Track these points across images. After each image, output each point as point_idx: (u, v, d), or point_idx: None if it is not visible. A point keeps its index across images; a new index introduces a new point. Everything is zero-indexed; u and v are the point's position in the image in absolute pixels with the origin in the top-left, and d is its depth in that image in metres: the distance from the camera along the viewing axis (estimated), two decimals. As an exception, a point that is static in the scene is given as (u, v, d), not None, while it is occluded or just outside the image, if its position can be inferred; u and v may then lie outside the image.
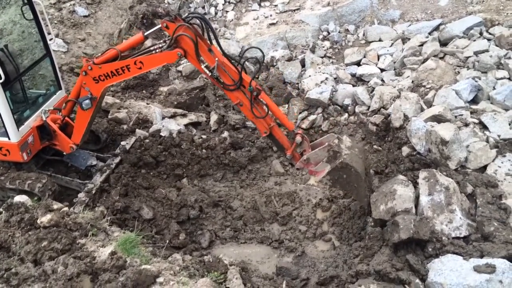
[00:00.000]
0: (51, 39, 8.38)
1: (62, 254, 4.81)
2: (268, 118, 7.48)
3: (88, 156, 9.14)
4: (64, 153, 8.83)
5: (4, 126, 7.79)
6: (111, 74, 7.54)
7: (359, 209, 8.35)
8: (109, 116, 10.43)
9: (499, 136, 8.56)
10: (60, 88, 8.93)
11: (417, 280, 6.51)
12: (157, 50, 7.28)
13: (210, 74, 7.11)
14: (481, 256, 6.55)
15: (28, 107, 8.48)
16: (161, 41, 7.39)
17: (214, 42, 7.19)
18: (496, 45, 10.72)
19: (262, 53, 7.88)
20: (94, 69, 7.56)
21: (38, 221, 5.30)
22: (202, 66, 7.12)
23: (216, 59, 7.04)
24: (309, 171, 7.67)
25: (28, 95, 8.61)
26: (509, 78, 9.78)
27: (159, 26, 7.17)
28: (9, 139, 7.91)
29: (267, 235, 8.66)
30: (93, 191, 8.44)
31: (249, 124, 10.87)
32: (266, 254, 8.36)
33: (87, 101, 7.82)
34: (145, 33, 7.40)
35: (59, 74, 8.98)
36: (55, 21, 12.27)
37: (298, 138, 7.52)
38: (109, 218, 6.56)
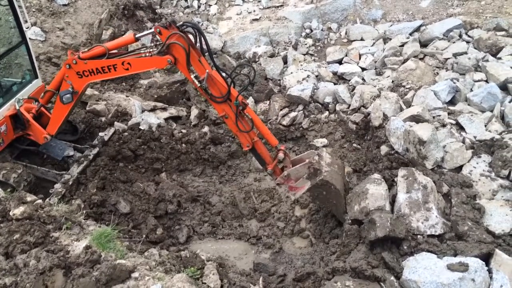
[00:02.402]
0: (28, 27, 8.16)
1: (35, 247, 4.69)
2: (252, 133, 7.50)
3: (65, 146, 8.95)
4: (40, 144, 8.64)
5: None
6: (96, 71, 7.40)
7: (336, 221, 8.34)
8: (87, 108, 10.23)
9: (475, 137, 8.72)
10: (36, 77, 8.72)
11: (392, 278, 6.59)
12: (147, 54, 7.17)
13: (199, 84, 7.04)
14: (455, 255, 6.68)
15: (1, 95, 8.25)
16: (152, 45, 7.23)
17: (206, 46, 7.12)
18: (475, 48, 10.92)
19: (254, 70, 7.78)
20: (79, 63, 7.40)
21: (11, 213, 5.16)
22: (192, 76, 7.04)
23: (207, 71, 6.98)
24: (289, 187, 7.69)
25: (2, 83, 8.38)
26: (486, 81, 9.97)
27: (152, 31, 7.04)
28: None
29: (245, 231, 8.65)
30: (70, 182, 8.28)
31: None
32: (243, 250, 8.35)
33: (68, 95, 7.65)
34: (136, 36, 7.28)
35: (36, 63, 8.75)
36: (33, 9, 11.95)
37: (281, 155, 7.59)
38: (84, 212, 6.45)
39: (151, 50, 7.17)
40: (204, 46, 7.13)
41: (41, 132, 8.31)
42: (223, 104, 7.25)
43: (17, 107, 8.16)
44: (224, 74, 7.27)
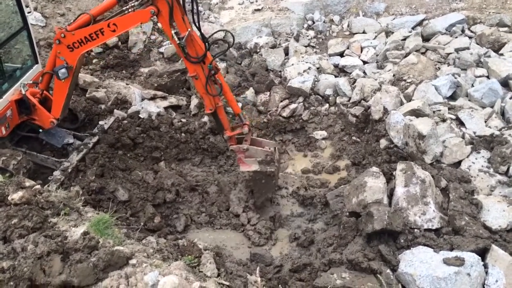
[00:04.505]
0: (29, 11, 8.11)
1: (33, 232, 4.68)
2: (217, 98, 7.76)
3: (65, 134, 8.94)
4: (40, 131, 8.62)
5: None
6: (85, 40, 7.36)
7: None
8: (87, 95, 10.20)
9: (474, 132, 8.73)
10: (36, 62, 8.69)
11: (388, 270, 6.64)
12: (130, 10, 7.11)
13: (178, 41, 7.08)
14: (451, 249, 6.72)
15: (5, 80, 8.23)
16: (136, 3, 7.14)
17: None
18: (477, 43, 10.89)
19: (233, 37, 7.92)
20: (67, 36, 7.36)
21: (9, 198, 5.15)
22: (172, 32, 7.05)
23: (189, 29, 7.05)
24: (239, 158, 8.21)
25: (4, 69, 8.35)
26: (487, 76, 9.96)
27: None
28: None
29: (243, 221, 8.65)
30: (69, 170, 8.28)
31: (229, 109, 10.80)
32: (241, 240, 8.37)
33: (63, 70, 7.62)
34: None
35: (36, 48, 8.71)
36: (34, -6, 11.88)
37: (246, 129, 8.06)
38: (83, 198, 6.45)
39: (133, 5, 7.10)
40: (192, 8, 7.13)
41: (48, 117, 8.29)
42: (196, 65, 7.37)
43: (23, 92, 8.14)
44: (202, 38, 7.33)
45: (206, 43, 7.28)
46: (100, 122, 9.52)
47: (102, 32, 7.24)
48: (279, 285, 7.03)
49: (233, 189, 8.96)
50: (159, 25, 7.12)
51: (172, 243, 6.16)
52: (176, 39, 7.07)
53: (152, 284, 4.20)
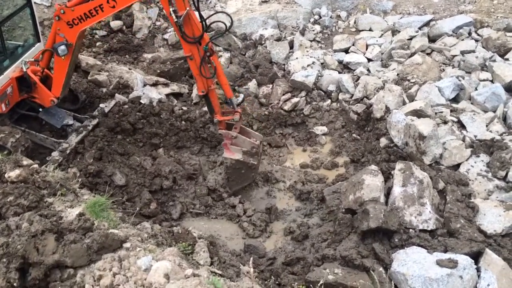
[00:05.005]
0: (34, -10, 8.06)
1: (28, 210, 4.68)
2: (210, 80, 7.80)
3: (64, 114, 8.91)
4: (40, 110, 8.59)
5: None
6: (84, 17, 7.35)
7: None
8: (89, 78, 10.15)
9: (475, 136, 8.71)
10: (39, 41, 8.65)
11: (381, 269, 6.65)
12: None
13: (175, 20, 7.07)
14: (445, 251, 6.72)
15: (7, 57, 8.19)
16: None
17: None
18: (483, 47, 10.83)
19: (231, 19, 7.83)
20: (67, 12, 7.36)
21: (6, 176, 5.14)
22: (170, 9, 7.04)
23: (187, 8, 7.04)
24: (224, 143, 8.39)
25: (6, 46, 8.30)
26: (491, 81, 9.91)
27: None
28: None
29: (239, 212, 8.66)
30: (67, 151, 8.27)
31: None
32: (235, 231, 8.38)
33: (63, 46, 7.62)
34: None
35: (39, 27, 8.66)
36: (40, -27, 11.77)
37: (237, 117, 8.21)
38: (80, 180, 6.43)
39: None
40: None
41: (48, 95, 8.27)
42: (192, 45, 7.39)
43: (24, 69, 8.10)
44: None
45: (204, 24, 7.27)
46: (101, 105, 9.49)
47: (102, 8, 7.23)
48: (272, 277, 7.05)
49: (211, 169, 9.07)
50: (164, 11, 7.07)
51: (167, 229, 6.16)
52: (174, 17, 7.06)
53: (145, 268, 4.19)
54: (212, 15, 7.79)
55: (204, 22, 7.30)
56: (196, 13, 7.28)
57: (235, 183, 8.76)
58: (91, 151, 8.52)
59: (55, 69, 8.15)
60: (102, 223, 4.79)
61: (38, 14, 8.66)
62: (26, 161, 5.70)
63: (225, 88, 8.05)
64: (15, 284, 4.02)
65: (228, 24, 7.68)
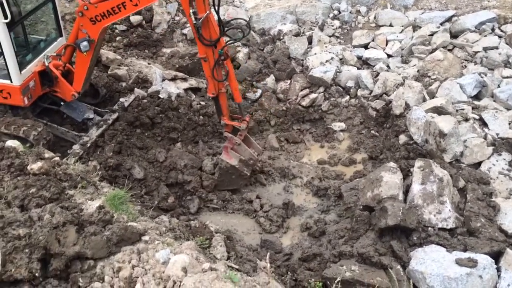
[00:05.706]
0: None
1: (50, 202, 4.78)
2: (221, 84, 7.92)
3: (85, 108, 9.04)
4: (62, 104, 8.72)
5: (7, 68, 7.67)
6: (107, 14, 7.45)
7: None
8: (109, 72, 10.26)
9: (497, 134, 8.55)
10: (61, 35, 8.77)
11: (399, 267, 6.59)
12: None
13: (194, 22, 7.13)
14: (465, 250, 6.63)
15: (30, 51, 8.33)
16: None
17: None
18: (507, 43, 10.60)
19: (249, 26, 7.93)
20: (90, 9, 7.45)
21: (28, 168, 5.26)
22: (190, 11, 7.09)
23: (207, 11, 7.11)
24: (226, 146, 8.53)
25: (29, 40, 8.44)
26: (515, 78, 9.70)
27: None
28: (11, 81, 7.80)
29: (256, 207, 8.68)
30: (88, 145, 8.39)
31: (249, 95, 10.82)
32: (252, 226, 8.40)
33: (85, 42, 7.73)
34: None
35: (61, 22, 8.78)
36: (62, -32, 11.91)
37: (244, 126, 8.39)
38: (100, 173, 6.53)
39: None
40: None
41: (69, 90, 8.40)
42: (207, 48, 7.47)
43: (46, 63, 8.23)
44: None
45: (221, 28, 7.36)
46: (121, 99, 9.59)
47: (124, 5, 7.33)
48: (288, 273, 7.05)
49: (206, 157, 9.18)
50: (184, 12, 7.14)
51: (185, 223, 6.22)
52: (193, 18, 7.12)
53: (163, 261, 4.24)
54: (228, 22, 7.88)
55: (221, 26, 7.40)
56: (216, 15, 7.34)
57: (222, 184, 8.81)
58: (111, 144, 8.62)
59: (76, 64, 8.27)
60: (121, 216, 4.87)
61: (59, 8, 8.76)
62: (47, 154, 5.82)
63: (235, 93, 8.15)
64: (37, 274, 4.12)
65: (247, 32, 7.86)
